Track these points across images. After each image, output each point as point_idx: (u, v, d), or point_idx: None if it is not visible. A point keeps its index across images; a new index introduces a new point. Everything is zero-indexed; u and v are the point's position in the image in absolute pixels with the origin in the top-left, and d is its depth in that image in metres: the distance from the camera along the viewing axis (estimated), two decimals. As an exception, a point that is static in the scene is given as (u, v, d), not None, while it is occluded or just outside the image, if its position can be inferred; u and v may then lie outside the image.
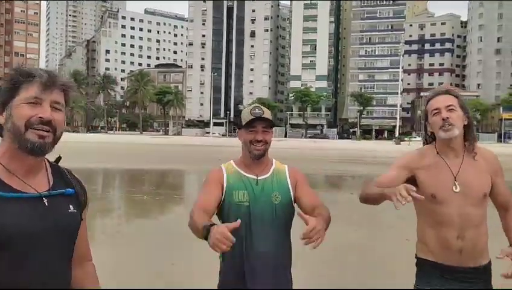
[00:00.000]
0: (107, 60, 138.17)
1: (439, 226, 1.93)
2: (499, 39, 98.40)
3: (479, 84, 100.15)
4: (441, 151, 1.98)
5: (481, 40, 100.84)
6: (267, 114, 1.97)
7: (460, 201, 1.90)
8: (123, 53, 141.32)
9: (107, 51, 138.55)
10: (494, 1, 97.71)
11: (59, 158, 1.29)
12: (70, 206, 1.23)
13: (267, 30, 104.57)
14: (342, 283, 4.73)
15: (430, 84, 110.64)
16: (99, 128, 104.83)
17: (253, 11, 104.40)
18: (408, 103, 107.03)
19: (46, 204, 1.18)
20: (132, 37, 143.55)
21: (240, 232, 1.84)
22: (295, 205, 2.01)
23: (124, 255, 5.50)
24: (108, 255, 5.32)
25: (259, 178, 1.99)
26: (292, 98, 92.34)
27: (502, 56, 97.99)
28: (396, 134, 71.60)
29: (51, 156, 1.24)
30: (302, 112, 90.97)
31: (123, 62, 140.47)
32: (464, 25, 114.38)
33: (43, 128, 1.14)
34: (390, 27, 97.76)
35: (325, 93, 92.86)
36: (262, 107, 2.00)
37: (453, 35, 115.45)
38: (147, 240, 6.28)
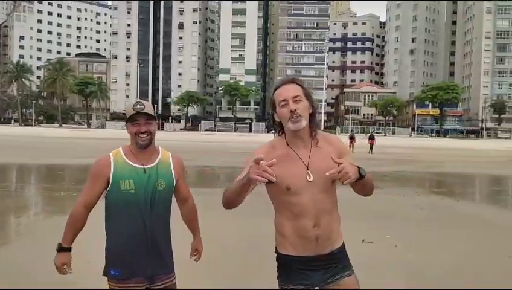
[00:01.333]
0: (21, 47, 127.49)
1: (296, 217, 1.92)
2: (413, 40, 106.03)
3: (395, 82, 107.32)
4: (290, 142, 1.97)
5: (397, 40, 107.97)
6: (148, 108, 2.14)
7: (314, 189, 1.90)
8: (39, 40, 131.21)
9: (21, 37, 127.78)
10: (410, 1, 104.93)
11: None
12: None
13: (196, 22, 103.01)
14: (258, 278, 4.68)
15: (353, 80, 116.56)
16: (13, 120, 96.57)
17: (182, 1, 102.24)
18: (332, 98, 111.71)
19: None
20: (50, 23, 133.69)
21: (126, 217, 2.14)
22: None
23: (45, 252, 5.09)
24: (25, 254, 4.90)
25: (146, 167, 2.16)
26: (221, 91, 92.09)
27: (415, 56, 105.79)
28: (322, 128, 74.57)
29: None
30: (231, 106, 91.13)
31: (39, 50, 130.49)
32: (382, 25, 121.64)
33: None
34: (315, 24, 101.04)
35: (254, 88, 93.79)
36: (143, 101, 2.17)
37: (372, 34, 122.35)
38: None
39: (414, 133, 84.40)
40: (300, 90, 1.98)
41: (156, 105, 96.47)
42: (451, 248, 5.65)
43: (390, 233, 6.23)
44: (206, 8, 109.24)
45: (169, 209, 2.28)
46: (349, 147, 26.93)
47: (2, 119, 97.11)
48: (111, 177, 2.14)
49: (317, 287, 1.97)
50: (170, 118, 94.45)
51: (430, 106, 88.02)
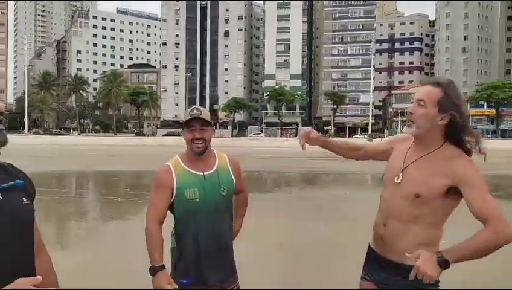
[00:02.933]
0: (79, 61, 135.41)
1: (379, 208, 1.94)
2: (465, 38, 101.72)
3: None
4: (415, 140, 1.87)
5: (448, 39, 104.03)
6: (205, 115, 2.14)
7: (395, 190, 1.83)
8: (95, 53, 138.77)
9: (78, 51, 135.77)
10: (461, 1, 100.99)
11: None
12: (23, 198, 1.22)
13: (241, 30, 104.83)
14: (313, 276, 5.07)
15: (401, 82, 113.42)
16: (72, 129, 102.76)
17: (227, 10, 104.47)
18: (380, 101, 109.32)
19: (1, 197, 1.17)
20: (104, 37, 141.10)
21: (193, 226, 2.14)
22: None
23: (101, 256, 5.79)
24: (85, 257, 5.62)
25: (205, 174, 2.15)
26: (267, 97, 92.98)
27: (468, 54, 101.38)
28: (369, 131, 73.19)
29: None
30: (277, 111, 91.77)
31: (95, 62, 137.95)
32: (432, 24, 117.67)
33: None
34: (361, 26, 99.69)
35: (300, 92, 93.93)
36: (200, 108, 2.19)
37: (421, 34, 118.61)
38: (123, 241, 6.44)
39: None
40: (434, 96, 1.75)
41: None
42: None
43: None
44: (251, 16, 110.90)
45: (232, 213, 2.30)
46: None
47: (62, 129, 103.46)
48: (175, 187, 2.13)
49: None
50: (217, 124, 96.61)
51: (485, 106, 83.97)
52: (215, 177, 2.16)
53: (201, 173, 2.15)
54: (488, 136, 79.85)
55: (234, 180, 2.23)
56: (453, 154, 1.75)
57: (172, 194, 2.13)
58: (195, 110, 2.15)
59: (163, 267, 2.05)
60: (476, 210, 1.66)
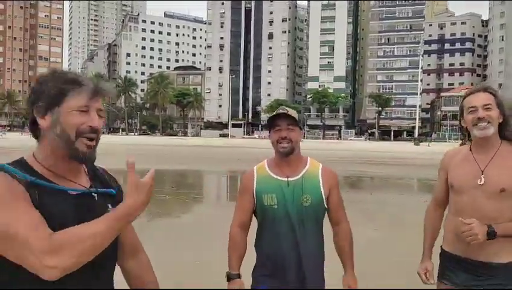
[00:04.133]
0: (128, 63, 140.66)
1: (456, 214, 2.01)
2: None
3: (500, 84, 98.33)
4: (473, 147, 2.05)
5: (502, 39, 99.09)
6: (292, 112, 2.02)
7: (478, 193, 1.95)
8: (143, 56, 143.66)
9: (128, 54, 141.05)
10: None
11: (93, 161, 1.31)
12: (109, 205, 1.25)
13: (285, 32, 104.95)
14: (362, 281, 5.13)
15: (450, 84, 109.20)
16: (120, 130, 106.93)
17: (271, 12, 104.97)
18: (427, 104, 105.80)
19: (96, 199, 1.24)
20: (152, 40, 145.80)
21: (272, 234, 2.01)
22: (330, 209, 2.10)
23: (149, 253, 6.13)
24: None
25: (289, 179, 2.00)
26: (310, 99, 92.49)
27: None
28: (416, 135, 71.11)
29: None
30: (320, 113, 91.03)
31: (143, 65, 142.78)
32: (484, 24, 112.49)
33: (91, 136, 1.17)
34: (409, 27, 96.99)
35: (343, 94, 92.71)
36: (287, 108, 2.07)
37: (473, 34, 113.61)
38: (171, 239, 6.69)
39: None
40: (492, 99, 1.99)
41: (246, 113, 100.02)
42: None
43: None
44: (295, 18, 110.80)
45: (321, 228, 2.08)
46: None
47: (111, 129, 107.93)
48: (255, 192, 2.04)
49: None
50: (260, 126, 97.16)
51: (542, 110, 79.29)
52: (299, 184, 1.99)
53: (285, 179, 2.00)
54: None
55: (323, 192, 2.02)
56: None
57: (254, 198, 2.04)
58: (281, 110, 2.04)
59: (237, 275, 1.98)
60: None
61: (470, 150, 2.07)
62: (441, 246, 2.19)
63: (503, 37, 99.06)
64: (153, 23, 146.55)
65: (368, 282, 4.76)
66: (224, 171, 19.25)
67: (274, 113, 2.04)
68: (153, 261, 1.32)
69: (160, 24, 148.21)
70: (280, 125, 1.99)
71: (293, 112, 2.03)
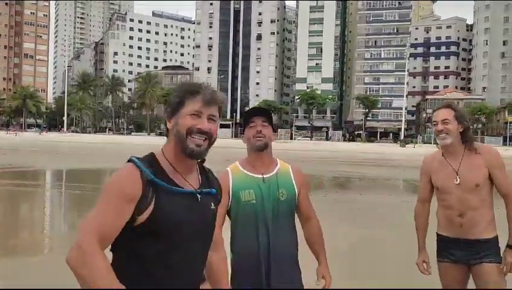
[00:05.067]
0: (115, 62, 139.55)
1: (446, 208, 2.58)
2: (504, 42, 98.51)
3: (484, 88, 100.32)
4: (444, 153, 2.60)
5: (487, 44, 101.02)
6: (265, 111, 2.16)
7: (459, 190, 2.51)
8: (131, 55, 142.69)
9: (115, 53, 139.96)
10: (501, 3, 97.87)
11: (204, 159, 1.51)
12: (212, 203, 1.47)
13: (273, 33, 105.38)
14: (351, 279, 5.36)
15: (436, 87, 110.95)
16: (107, 129, 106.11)
17: (260, 13, 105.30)
18: (413, 106, 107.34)
19: (199, 200, 1.42)
20: (140, 39, 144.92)
21: (249, 230, 2.08)
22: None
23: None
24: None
25: (265, 176, 2.11)
26: (298, 100, 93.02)
27: (507, 59, 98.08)
28: (402, 137, 72.06)
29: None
30: (307, 114, 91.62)
31: (130, 64, 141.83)
32: (469, 28, 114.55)
33: (201, 137, 1.39)
34: (395, 30, 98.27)
35: (331, 96, 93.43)
36: (262, 107, 2.28)
37: (458, 38, 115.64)
38: None
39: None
40: (452, 114, 2.51)
41: (234, 114, 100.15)
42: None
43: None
44: (284, 19, 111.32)
45: (294, 223, 2.19)
46: None
47: (98, 128, 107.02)
48: (231, 190, 2.10)
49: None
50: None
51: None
52: (274, 180, 2.11)
53: (260, 176, 2.11)
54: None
55: (296, 188, 2.15)
56: (476, 150, 2.53)
57: (229, 197, 2.09)
58: (256, 109, 2.20)
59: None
60: (504, 188, 2.52)
61: (443, 155, 2.61)
62: (436, 232, 2.69)
63: (487, 41, 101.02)
64: (140, 22, 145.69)
65: (360, 276, 5.03)
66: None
67: (250, 109, 2.16)
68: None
69: (148, 23, 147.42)
70: (255, 122, 2.10)
71: (266, 112, 2.17)
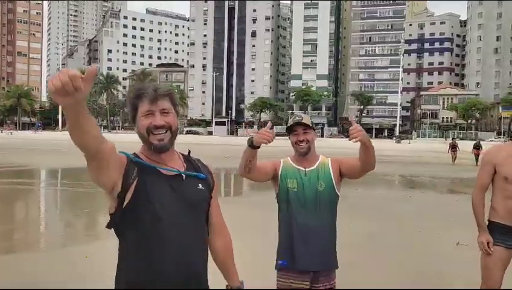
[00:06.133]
0: (109, 60, 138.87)
1: (508, 199, 2.77)
2: (498, 38, 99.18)
3: (478, 83, 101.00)
4: None
5: (480, 39, 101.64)
6: (306, 119, 2.48)
7: None
8: (125, 53, 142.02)
9: (109, 51, 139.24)
10: (494, 0, 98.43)
11: (189, 151, 1.77)
12: (199, 184, 1.65)
13: (268, 30, 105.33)
14: (352, 274, 5.53)
15: (430, 83, 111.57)
16: (102, 127, 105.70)
17: (254, 10, 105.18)
18: (407, 102, 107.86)
19: (183, 179, 1.61)
20: (134, 36, 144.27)
21: (289, 214, 2.43)
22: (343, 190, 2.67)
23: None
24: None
25: (307, 169, 2.47)
26: (293, 97, 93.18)
27: (501, 55, 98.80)
28: (397, 133, 72.44)
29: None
30: (303, 111, 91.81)
31: (125, 62, 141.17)
32: (463, 24, 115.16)
33: (160, 131, 1.55)
34: (390, 27, 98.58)
35: (326, 93, 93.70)
36: (301, 114, 2.55)
37: (452, 34, 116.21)
38: None
39: (501, 138, 78.84)
40: None
41: (230, 111, 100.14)
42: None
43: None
44: (279, 16, 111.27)
45: (335, 212, 2.52)
46: (451, 158, 24.78)
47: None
48: (280, 176, 2.48)
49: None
50: (243, 123, 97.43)
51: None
52: (314, 173, 2.46)
53: (303, 169, 2.48)
54: (521, 139, 77.54)
55: (333, 178, 2.47)
56: None
57: (278, 176, 2.48)
58: (296, 117, 2.49)
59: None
60: None
61: None
62: (488, 219, 2.90)
63: (481, 37, 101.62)
64: (134, 19, 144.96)
65: (363, 265, 5.20)
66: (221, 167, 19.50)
67: (291, 122, 2.49)
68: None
69: (142, 20, 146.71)
70: (297, 130, 2.46)
71: (307, 119, 2.47)
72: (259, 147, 2.23)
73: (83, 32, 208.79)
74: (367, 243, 6.42)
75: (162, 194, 1.54)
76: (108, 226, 1.57)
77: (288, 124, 2.51)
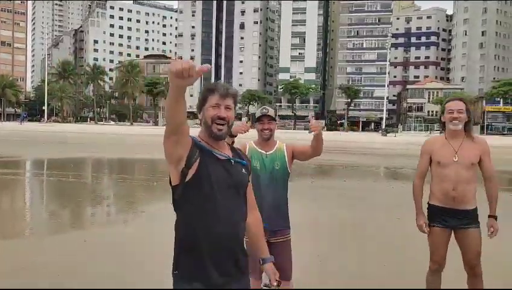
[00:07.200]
0: (96, 50, 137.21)
1: (442, 182, 3.20)
2: (483, 33, 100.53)
3: (463, 78, 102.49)
4: (448, 136, 3.25)
5: (466, 34, 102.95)
6: (271, 112, 3.10)
7: (456, 166, 3.15)
8: (111, 43, 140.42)
9: (96, 41, 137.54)
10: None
11: (233, 142, 2.42)
12: (243, 169, 2.00)
13: (257, 22, 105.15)
14: (338, 256, 5.92)
15: (416, 77, 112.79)
16: (89, 118, 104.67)
17: (243, 2, 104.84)
18: (394, 96, 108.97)
19: (233, 164, 1.96)
20: (121, 27, 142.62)
21: (255, 187, 2.90)
22: (294, 168, 3.28)
23: (147, 232, 6.73)
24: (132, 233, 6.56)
25: (267, 153, 3.12)
26: (281, 90, 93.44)
27: (485, 50, 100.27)
28: (383, 126, 73.23)
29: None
30: (291, 104, 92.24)
31: (111, 52, 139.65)
32: (449, 18, 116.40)
33: (221, 122, 1.90)
34: (377, 20, 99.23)
35: (314, 86, 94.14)
36: (268, 107, 3.16)
37: (438, 28, 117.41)
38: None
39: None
40: (463, 106, 3.21)
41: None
42: None
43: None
44: (267, 8, 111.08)
45: (287, 185, 3.19)
46: None
47: (79, 118, 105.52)
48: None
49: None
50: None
51: (501, 103, 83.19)
52: (273, 156, 3.12)
53: (265, 152, 3.13)
54: (504, 133, 79.24)
55: (287, 160, 3.14)
56: (474, 138, 3.22)
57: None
58: (264, 110, 3.11)
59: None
60: (488, 171, 3.23)
61: (446, 138, 3.26)
62: (429, 203, 3.33)
63: (466, 31, 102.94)
64: (121, 9, 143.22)
65: (347, 250, 5.59)
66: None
67: (259, 114, 3.09)
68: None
69: (129, 11, 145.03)
70: (263, 120, 3.08)
71: (272, 112, 3.09)
72: (236, 136, 2.81)
73: (68, 22, 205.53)
74: (350, 229, 6.82)
75: (218, 175, 1.86)
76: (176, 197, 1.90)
77: (257, 115, 3.09)
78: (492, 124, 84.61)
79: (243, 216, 1.98)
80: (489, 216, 3.23)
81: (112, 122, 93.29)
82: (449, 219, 3.21)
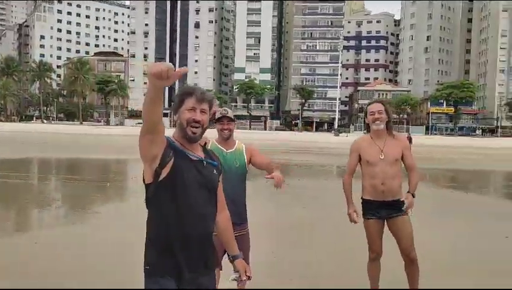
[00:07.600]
0: (42, 46, 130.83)
1: (372, 178, 3.54)
2: (428, 38, 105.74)
3: (409, 80, 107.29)
4: (373, 136, 3.57)
5: (412, 39, 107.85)
6: (230, 113, 3.26)
7: (383, 163, 3.49)
8: (59, 39, 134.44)
9: (42, 37, 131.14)
10: (425, 1, 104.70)
11: (205, 143, 2.39)
12: (214, 170, 2.09)
13: (212, 22, 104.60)
14: (295, 252, 6.06)
15: (367, 78, 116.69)
16: (34, 117, 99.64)
17: (198, 2, 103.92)
18: (346, 97, 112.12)
19: (205, 165, 2.04)
20: (69, 22, 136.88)
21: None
22: (250, 167, 3.43)
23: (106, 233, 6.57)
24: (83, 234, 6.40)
25: (228, 151, 3.28)
26: (237, 90, 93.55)
27: (430, 54, 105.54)
28: (336, 126, 75.16)
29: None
30: (246, 104, 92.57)
31: (59, 48, 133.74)
32: (397, 23, 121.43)
33: (196, 125, 1.97)
34: (330, 23, 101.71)
35: (269, 86, 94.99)
36: (227, 108, 3.30)
37: (387, 33, 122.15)
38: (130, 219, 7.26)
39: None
40: (383, 107, 3.56)
41: (173, 103, 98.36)
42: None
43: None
44: (222, 8, 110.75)
45: (245, 181, 3.38)
46: None
47: (24, 117, 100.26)
48: None
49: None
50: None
51: (444, 104, 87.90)
52: (232, 154, 3.28)
53: (225, 150, 3.28)
54: (447, 133, 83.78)
55: (245, 158, 3.32)
56: (395, 136, 3.61)
57: None
58: (223, 111, 3.26)
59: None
60: (409, 163, 3.59)
61: (371, 138, 3.58)
62: (362, 197, 3.64)
63: (412, 36, 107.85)
64: (69, 4, 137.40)
65: (302, 245, 5.73)
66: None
67: (219, 115, 3.22)
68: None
69: (78, 6, 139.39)
70: (223, 121, 3.22)
71: (231, 113, 3.24)
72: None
73: (11, 16, 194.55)
74: (306, 226, 6.99)
75: (190, 175, 1.94)
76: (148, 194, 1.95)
77: (217, 116, 3.22)
78: (437, 124, 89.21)
79: (213, 215, 2.07)
80: (408, 192, 3.52)
81: (52, 121, 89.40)
82: (381, 211, 3.52)
